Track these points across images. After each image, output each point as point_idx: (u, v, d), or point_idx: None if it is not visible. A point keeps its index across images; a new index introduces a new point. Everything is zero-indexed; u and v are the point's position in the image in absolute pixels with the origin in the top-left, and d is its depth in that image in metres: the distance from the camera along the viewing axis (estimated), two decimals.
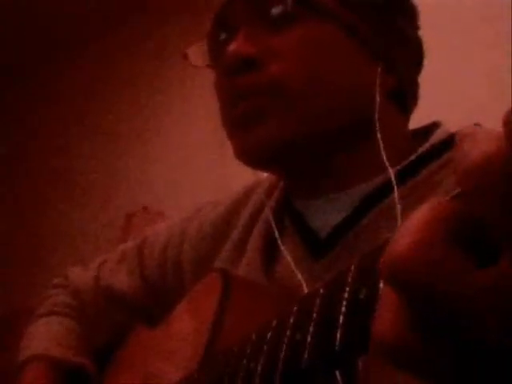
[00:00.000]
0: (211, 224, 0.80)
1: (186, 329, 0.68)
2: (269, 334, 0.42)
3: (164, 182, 2.82)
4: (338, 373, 0.41)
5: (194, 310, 0.69)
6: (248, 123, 0.64)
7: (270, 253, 0.70)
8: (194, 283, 0.71)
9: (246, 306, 0.61)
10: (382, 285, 0.30)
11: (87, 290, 0.91)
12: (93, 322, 0.90)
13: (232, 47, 0.64)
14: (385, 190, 0.64)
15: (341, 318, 0.32)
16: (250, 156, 0.66)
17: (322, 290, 0.36)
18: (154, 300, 0.85)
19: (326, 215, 0.67)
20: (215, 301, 0.61)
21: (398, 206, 0.60)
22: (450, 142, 0.66)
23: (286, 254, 0.67)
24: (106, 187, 3.02)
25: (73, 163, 3.17)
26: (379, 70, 0.65)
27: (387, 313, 0.26)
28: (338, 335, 0.32)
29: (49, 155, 3.27)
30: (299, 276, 0.63)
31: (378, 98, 0.64)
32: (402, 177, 0.64)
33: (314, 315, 0.36)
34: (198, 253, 0.79)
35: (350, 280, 0.32)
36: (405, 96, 0.70)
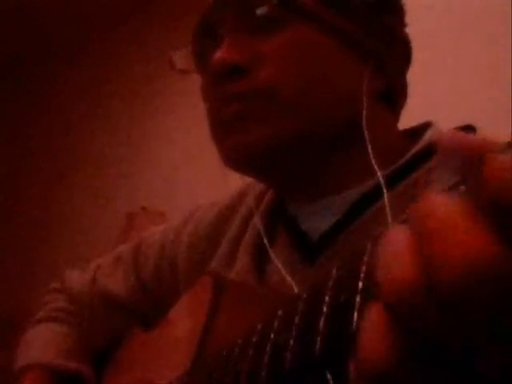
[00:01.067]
0: (206, 226, 0.80)
1: (180, 330, 0.69)
2: (254, 338, 0.42)
3: (164, 182, 2.82)
4: (328, 373, 0.41)
5: (187, 312, 0.69)
6: (239, 124, 0.63)
7: (261, 257, 0.70)
8: (189, 285, 0.71)
9: (238, 307, 0.61)
10: (360, 286, 0.30)
11: (84, 293, 0.91)
12: (90, 326, 0.90)
13: (218, 55, 0.63)
14: (376, 193, 0.63)
15: (321, 322, 0.33)
16: (240, 160, 0.65)
17: (305, 295, 0.36)
18: (149, 302, 0.85)
19: (319, 219, 0.66)
20: (207, 303, 0.61)
21: (388, 210, 0.60)
22: None
23: (275, 259, 0.66)
24: (106, 187, 3.02)
25: (73, 164, 3.17)
26: (368, 70, 0.65)
27: (376, 341, 0.25)
28: (319, 339, 0.33)
29: (49, 156, 3.28)
30: (289, 279, 0.63)
31: (365, 102, 0.63)
32: (393, 179, 0.63)
33: (297, 319, 0.36)
34: (193, 255, 0.80)
35: (331, 285, 0.32)
36: (394, 95, 0.69)
